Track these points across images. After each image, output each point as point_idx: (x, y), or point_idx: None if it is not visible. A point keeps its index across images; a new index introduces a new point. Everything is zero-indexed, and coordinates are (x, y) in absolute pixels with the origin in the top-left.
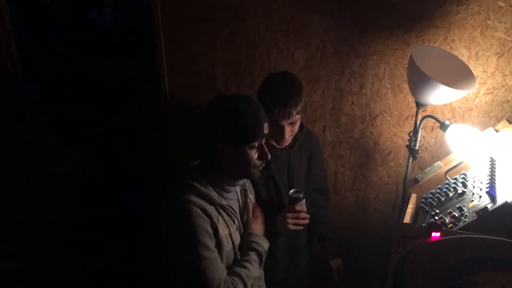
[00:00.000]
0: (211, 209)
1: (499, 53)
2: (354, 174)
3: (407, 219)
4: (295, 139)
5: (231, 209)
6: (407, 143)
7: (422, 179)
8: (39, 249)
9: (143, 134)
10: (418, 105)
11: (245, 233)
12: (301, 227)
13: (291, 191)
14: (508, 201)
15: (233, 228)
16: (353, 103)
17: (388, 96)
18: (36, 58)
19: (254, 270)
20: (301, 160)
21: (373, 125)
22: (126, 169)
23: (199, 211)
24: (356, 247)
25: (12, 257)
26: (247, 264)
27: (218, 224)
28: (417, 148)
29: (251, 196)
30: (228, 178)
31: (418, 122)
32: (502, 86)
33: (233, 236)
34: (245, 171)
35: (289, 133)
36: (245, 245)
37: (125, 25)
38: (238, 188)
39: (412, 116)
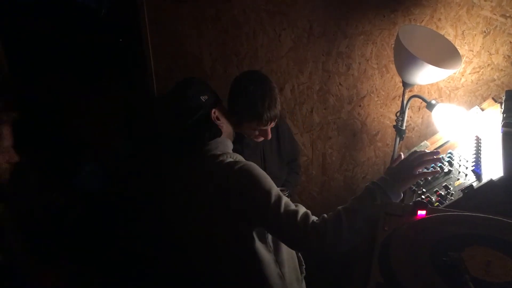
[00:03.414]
0: None
1: (485, 31)
2: (342, 155)
3: None
4: None
5: None
6: (394, 123)
7: None
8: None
9: (129, 117)
10: (405, 85)
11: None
12: None
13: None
14: (493, 178)
15: None
16: (340, 84)
17: (375, 77)
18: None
19: (358, 216)
20: (270, 142)
21: (360, 105)
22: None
23: (251, 163)
24: None
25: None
26: (358, 205)
27: None
28: (404, 128)
29: None
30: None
31: (405, 102)
32: (488, 65)
33: None
34: None
35: (270, 130)
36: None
37: (108, 6)
38: None
39: (399, 96)
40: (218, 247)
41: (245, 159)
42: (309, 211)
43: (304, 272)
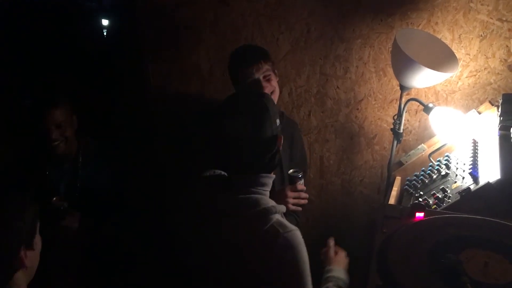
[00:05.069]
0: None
1: (481, 35)
2: (339, 158)
3: (392, 201)
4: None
5: None
6: (392, 126)
7: (406, 162)
8: None
9: (126, 122)
10: (402, 88)
11: (325, 267)
12: (300, 208)
13: (291, 170)
14: (490, 181)
15: None
16: (337, 87)
17: (372, 80)
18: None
19: None
20: (284, 145)
21: (358, 109)
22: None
23: (299, 234)
24: (341, 230)
25: None
26: None
27: None
28: (401, 131)
29: None
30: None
31: (402, 106)
32: (484, 69)
33: None
34: None
35: (267, 88)
36: (323, 280)
37: (106, 11)
38: None
39: (396, 100)
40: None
41: None
42: None
43: None
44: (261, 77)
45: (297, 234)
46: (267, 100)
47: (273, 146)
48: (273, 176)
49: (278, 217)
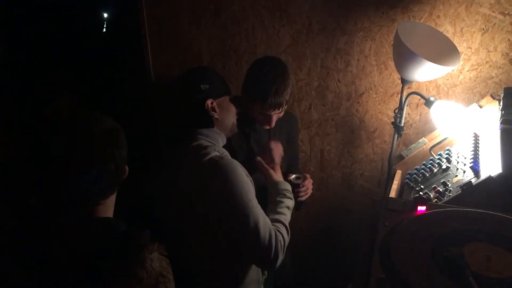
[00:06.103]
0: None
1: (483, 29)
2: (340, 151)
3: (392, 195)
4: None
5: None
6: (392, 120)
7: (407, 155)
8: None
9: (126, 113)
10: (404, 82)
11: (271, 182)
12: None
13: (293, 176)
14: (492, 175)
15: None
16: (338, 80)
17: (373, 73)
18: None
19: (289, 215)
20: (280, 136)
21: (358, 102)
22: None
23: (237, 162)
24: (342, 224)
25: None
26: (284, 210)
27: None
28: (402, 125)
29: None
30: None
31: (403, 99)
32: (486, 62)
33: None
34: None
35: (275, 120)
36: (275, 193)
37: (106, 4)
38: None
39: (397, 93)
40: (188, 232)
41: (252, 143)
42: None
43: (266, 274)
44: (274, 115)
45: (231, 161)
46: (193, 70)
47: (193, 98)
48: (214, 130)
49: (214, 152)
